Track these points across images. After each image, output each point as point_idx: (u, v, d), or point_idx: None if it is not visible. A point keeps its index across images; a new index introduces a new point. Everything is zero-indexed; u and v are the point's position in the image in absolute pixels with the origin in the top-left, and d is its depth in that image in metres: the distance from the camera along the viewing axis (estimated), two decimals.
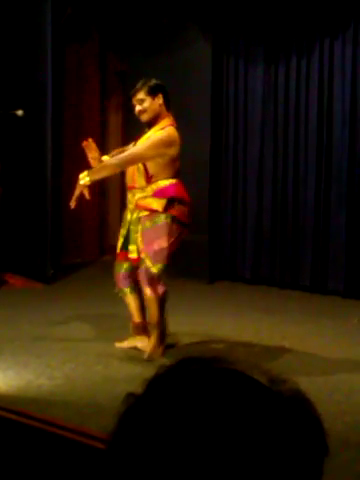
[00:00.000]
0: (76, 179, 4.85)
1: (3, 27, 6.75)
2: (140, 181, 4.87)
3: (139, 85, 5.00)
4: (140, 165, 4.85)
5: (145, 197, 4.85)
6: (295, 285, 7.12)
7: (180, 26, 7.46)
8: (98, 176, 4.85)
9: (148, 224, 4.83)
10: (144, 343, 4.95)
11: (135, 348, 4.98)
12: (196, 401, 0.82)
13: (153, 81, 5.03)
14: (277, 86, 7.26)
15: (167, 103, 5.01)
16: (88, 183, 4.77)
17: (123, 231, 4.98)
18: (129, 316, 5.05)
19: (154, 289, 4.84)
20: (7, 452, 3.18)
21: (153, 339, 4.87)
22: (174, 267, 7.40)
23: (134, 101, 4.98)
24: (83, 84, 8.21)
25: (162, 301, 4.88)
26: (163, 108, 4.97)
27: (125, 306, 5.06)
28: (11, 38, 7.04)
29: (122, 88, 8.15)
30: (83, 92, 8.21)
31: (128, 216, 4.95)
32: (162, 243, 4.80)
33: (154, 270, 4.81)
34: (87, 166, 5.03)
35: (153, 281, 4.83)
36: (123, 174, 5.11)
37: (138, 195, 4.87)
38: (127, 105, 8.05)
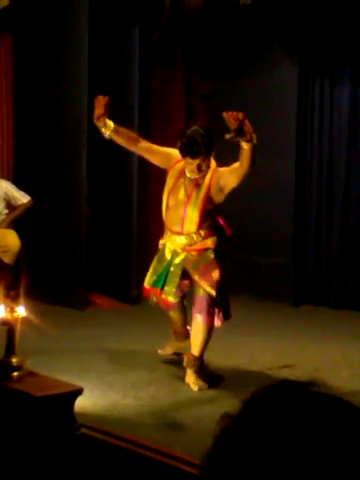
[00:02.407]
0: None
1: (93, 53, 6.91)
2: (190, 227, 4.76)
3: (193, 148, 4.57)
4: (196, 213, 4.72)
5: (195, 243, 4.78)
6: None
7: (266, 48, 7.47)
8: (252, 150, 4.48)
9: (198, 262, 4.77)
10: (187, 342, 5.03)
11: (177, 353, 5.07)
12: (294, 424, 0.81)
13: (203, 134, 4.65)
14: None
15: None
16: (253, 142, 4.44)
17: (159, 268, 4.86)
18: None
19: (208, 317, 4.75)
20: (94, 471, 3.21)
21: (194, 373, 4.75)
22: (259, 290, 7.39)
23: (191, 163, 4.64)
24: (169, 107, 8.31)
25: (210, 331, 4.78)
26: None
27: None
28: (100, 64, 7.19)
29: (207, 111, 8.20)
30: (169, 115, 8.30)
31: (168, 256, 4.84)
32: (218, 274, 4.72)
33: (214, 293, 4.72)
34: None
35: (210, 309, 4.75)
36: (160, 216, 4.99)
37: (185, 241, 4.79)
38: (212, 128, 8.10)
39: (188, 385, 4.75)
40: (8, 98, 7.45)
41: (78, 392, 3.74)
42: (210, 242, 4.80)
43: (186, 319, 5.12)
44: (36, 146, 7.29)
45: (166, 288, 4.83)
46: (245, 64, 7.60)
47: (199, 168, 4.66)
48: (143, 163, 7.34)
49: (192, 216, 4.74)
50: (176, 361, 5.18)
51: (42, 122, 7.23)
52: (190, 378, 4.77)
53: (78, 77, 6.89)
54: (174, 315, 5.14)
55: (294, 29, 7.28)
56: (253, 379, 4.71)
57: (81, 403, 3.87)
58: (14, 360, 3.82)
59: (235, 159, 4.78)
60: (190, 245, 4.79)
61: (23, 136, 7.43)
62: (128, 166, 7.21)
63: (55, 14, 7.08)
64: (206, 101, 8.33)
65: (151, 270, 4.92)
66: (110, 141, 7.17)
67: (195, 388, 4.71)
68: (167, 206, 4.85)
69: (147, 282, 4.92)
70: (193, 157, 4.61)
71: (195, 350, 4.80)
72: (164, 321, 5.32)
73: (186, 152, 4.62)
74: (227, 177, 4.68)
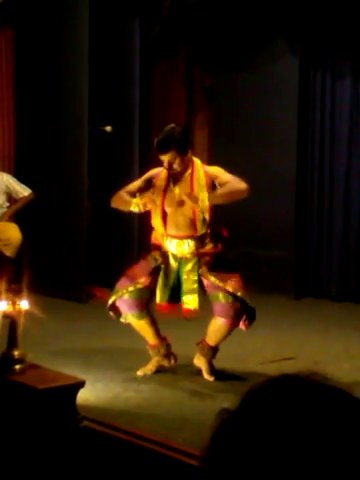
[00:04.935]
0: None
1: (93, 46, 6.90)
2: (202, 229, 4.67)
3: (163, 143, 4.56)
4: (206, 213, 4.62)
5: (205, 244, 4.70)
6: None
7: (267, 40, 7.45)
8: (217, 201, 4.64)
9: (214, 266, 4.66)
10: (172, 361, 4.88)
11: (162, 367, 4.88)
12: (294, 417, 0.82)
13: (177, 131, 4.60)
14: None
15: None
16: (207, 204, 4.58)
17: (168, 281, 4.71)
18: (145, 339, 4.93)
19: (233, 322, 4.67)
20: (96, 463, 3.23)
21: (206, 362, 4.78)
22: (260, 283, 7.39)
23: (163, 160, 4.61)
24: (170, 100, 8.30)
25: (231, 331, 4.74)
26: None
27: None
28: (100, 57, 7.19)
29: (208, 104, 8.19)
30: (170, 108, 8.29)
31: (174, 265, 4.71)
32: (236, 275, 4.67)
33: (241, 295, 4.62)
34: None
35: (236, 316, 4.65)
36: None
37: (194, 244, 4.67)
38: (213, 121, 8.10)
39: (198, 367, 4.79)
40: (9, 92, 7.45)
41: (80, 385, 3.75)
42: (221, 246, 4.74)
43: (157, 326, 4.87)
44: (37, 139, 7.29)
45: (184, 298, 4.68)
46: (246, 57, 7.59)
47: (170, 166, 4.58)
48: (144, 157, 7.36)
49: (200, 216, 4.63)
50: (177, 354, 5.20)
51: (43, 115, 7.23)
52: (202, 364, 4.80)
53: (79, 70, 6.89)
54: (143, 324, 4.84)
55: (295, 22, 7.26)
56: (253, 372, 4.72)
57: (83, 396, 3.89)
58: (16, 353, 3.84)
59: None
60: (202, 247, 4.68)
61: (24, 129, 7.44)
62: (129, 160, 7.22)
63: (56, 7, 7.07)
64: (207, 94, 8.32)
65: (160, 286, 4.72)
66: (111, 135, 7.19)
67: (206, 376, 4.75)
68: (164, 213, 4.71)
69: (160, 298, 4.72)
70: (161, 152, 4.58)
71: (212, 341, 4.76)
72: (166, 314, 5.34)
73: (156, 148, 4.62)
74: (222, 179, 4.66)
